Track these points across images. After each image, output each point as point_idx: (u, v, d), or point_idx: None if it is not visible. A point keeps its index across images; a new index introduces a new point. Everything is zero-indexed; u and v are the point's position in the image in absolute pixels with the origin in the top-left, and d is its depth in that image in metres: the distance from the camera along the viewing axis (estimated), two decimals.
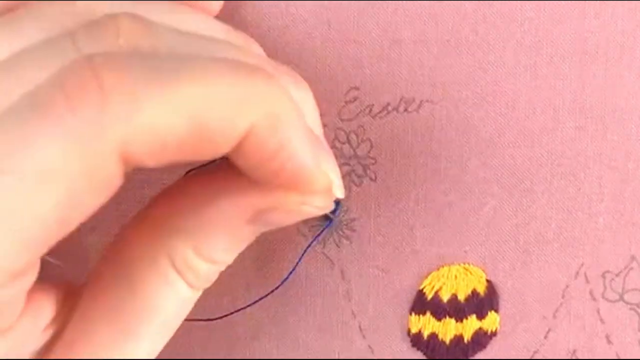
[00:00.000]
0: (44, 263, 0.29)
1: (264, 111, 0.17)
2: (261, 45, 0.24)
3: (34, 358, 0.19)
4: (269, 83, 0.18)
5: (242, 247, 0.21)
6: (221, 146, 0.17)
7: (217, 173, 0.20)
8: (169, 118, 0.16)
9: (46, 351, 0.19)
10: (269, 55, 0.24)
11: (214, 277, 0.21)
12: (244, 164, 0.18)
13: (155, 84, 0.16)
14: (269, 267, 0.29)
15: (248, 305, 0.29)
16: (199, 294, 0.21)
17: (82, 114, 0.16)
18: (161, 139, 0.16)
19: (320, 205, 0.20)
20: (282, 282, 0.28)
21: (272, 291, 0.28)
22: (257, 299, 0.28)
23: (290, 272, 0.28)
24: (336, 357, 0.30)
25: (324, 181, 0.19)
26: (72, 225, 0.17)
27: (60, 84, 0.16)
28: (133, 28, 0.18)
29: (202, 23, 0.20)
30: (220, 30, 0.21)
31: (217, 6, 0.22)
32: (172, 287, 0.20)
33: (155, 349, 0.20)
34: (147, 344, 0.20)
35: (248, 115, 0.17)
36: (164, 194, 0.21)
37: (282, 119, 0.18)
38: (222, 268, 0.21)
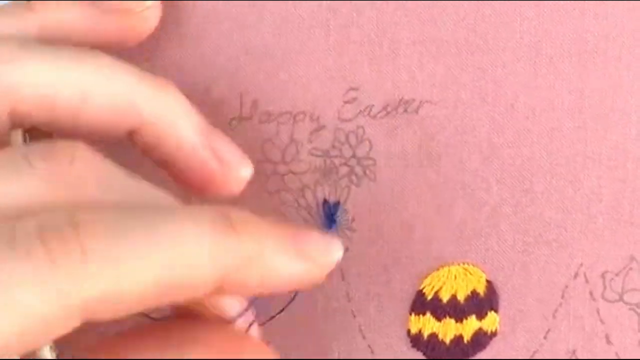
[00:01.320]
0: None
1: (235, 261, 0.18)
2: (261, 45, 0.24)
3: None
4: (232, 232, 0.18)
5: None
6: (190, 297, 0.18)
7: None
8: (140, 284, 0.17)
9: None
10: (269, 55, 0.24)
11: None
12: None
13: (128, 251, 0.17)
14: None
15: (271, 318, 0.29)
16: None
17: (61, 267, 0.16)
18: (127, 302, 0.17)
19: None
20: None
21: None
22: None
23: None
24: (336, 357, 0.30)
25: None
26: (9, 353, 0.17)
27: (41, 233, 0.17)
28: (87, 157, 0.19)
29: None
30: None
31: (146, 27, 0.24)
32: None
33: None
34: None
35: (218, 268, 0.18)
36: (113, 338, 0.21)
37: (258, 261, 0.19)
38: None
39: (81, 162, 0.19)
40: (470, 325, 0.29)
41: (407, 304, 0.29)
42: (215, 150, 0.23)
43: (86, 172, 0.19)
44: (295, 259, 0.19)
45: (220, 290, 0.18)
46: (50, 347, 0.29)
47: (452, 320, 0.29)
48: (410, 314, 0.29)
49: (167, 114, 0.22)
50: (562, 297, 0.29)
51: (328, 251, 0.20)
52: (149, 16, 0.24)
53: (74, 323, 0.17)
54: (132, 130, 0.22)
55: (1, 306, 0.16)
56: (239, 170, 0.24)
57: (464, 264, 0.29)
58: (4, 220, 0.17)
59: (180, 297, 0.18)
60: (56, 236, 0.17)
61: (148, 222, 0.18)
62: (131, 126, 0.22)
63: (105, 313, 0.17)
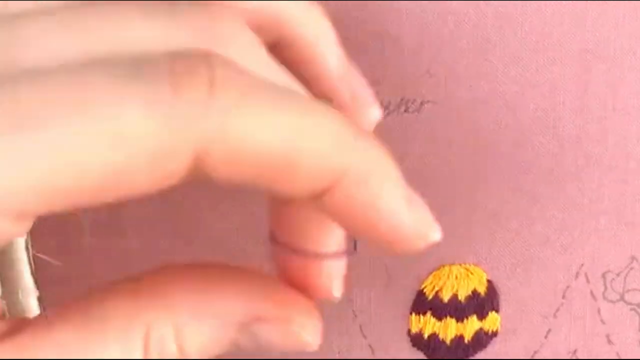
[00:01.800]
0: (44, 263, 0.29)
1: (361, 161, 0.17)
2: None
3: None
4: (367, 134, 0.17)
5: (215, 351, 0.20)
6: (304, 184, 0.16)
7: (220, 268, 0.20)
8: (266, 136, 0.15)
9: None
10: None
11: None
12: (329, 211, 0.17)
13: (261, 97, 0.16)
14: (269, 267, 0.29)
15: None
16: None
17: (184, 98, 0.15)
18: (247, 155, 0.15)
19: (308, 338, 0.19)
20: None
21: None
22: None
23: None
24: (337, 357, 0.30)
25: (420, 238, 0.18)
26: (103, 197, 0.15)
27: (170, 61, 0.15)
28: (226, 75, 0.16)
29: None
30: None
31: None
32: (127, 354, 0.19)
33: None
34: None
35: (344, 159, 0.16)
36: (153, 271, 0.20)
37: (377, 172, 0.17)
38: None
39: (221, 82, 0.16)
40: (471, 325, 0.29)
41: (408, 303, 0.29)
42: (350, 84, 0.21)
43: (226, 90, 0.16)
44: (405, 201, 0.17)
45: (327, 195, 0.16)
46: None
47: (453, 320, 0.29)
48: (411, 314, 0.29)
49: (314, 33, 0.20)
50: (563, 297, 0.29)
51: (431, 223, 0.19)
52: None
53: (180, 168, 0.15)
54: (276, 43, 0.20)
55: (110, 129, 0.15)
56: (369, 110, 0.21)
57: (465, 263, 0.29)
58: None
59: (293, 180, 0.16)
60: (187, 69, 0.15)
61: (285, 90, 0.16)
62: (276, 38, 0.20)
63: (220, 164, 0.15)
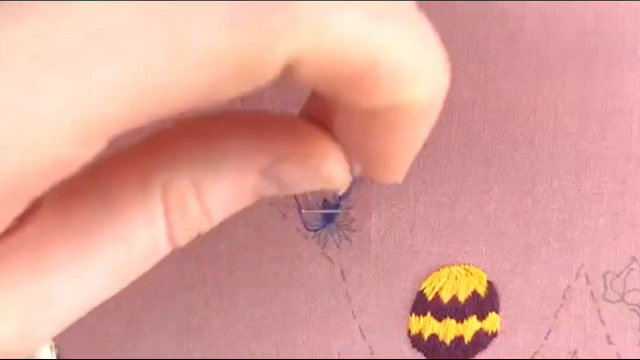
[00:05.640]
0: None
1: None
2: None
3: None
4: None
5: (240, 204, 0.18)
6: (386, 92, 0.15)
7: (233, 116, 0.18)
8: (360, 40, 0.14)
9: None
10: None
11: (193, 233, 0.18)
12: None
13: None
14: (269, 267, 0.29)
15: None
16: (168, 251, 0.18)
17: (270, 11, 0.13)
18: (339, 63, 0.14)
19: (333, 172, 0.18)
20: None
21: None
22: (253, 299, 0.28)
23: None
24: (336, 358, 0.30)
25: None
26: (184, 107, 0.14)
27: None
28: None
29: None
30: None
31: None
32: (150, 223, 0.17)
33: (105, 290, 0.17)
34: (100, 278, 0.17)
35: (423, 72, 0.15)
36: (168, 127, 0.18)
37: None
38: (207, 228, 0.18)
39: None
40: (471, 326, 0.29)
41: (408, 304, 0.29)
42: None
43: None
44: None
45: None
46: (50, 347, 0.29)
47: (453, 321, 0.29)
48: (411, 315, 0.29)
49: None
50: (563, 297, 0.29)
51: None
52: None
53: (271, 75, 0.14)
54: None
55: (189, 46, 0.13)
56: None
57: (465, 264, 0.29)
58: None
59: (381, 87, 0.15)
60: None
61: None
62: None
63: (314, 71, 0.14)
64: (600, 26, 0.27)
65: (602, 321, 0.29)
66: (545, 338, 0.30)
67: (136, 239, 0.17)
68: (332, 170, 0.18)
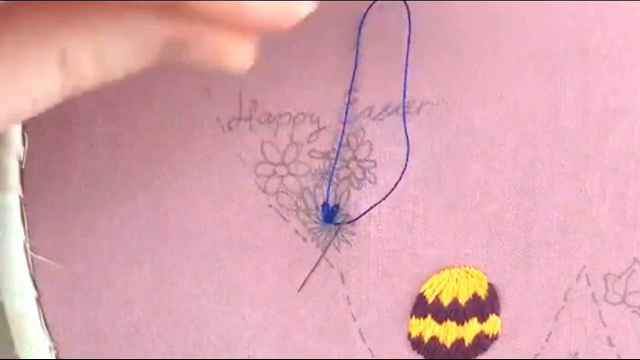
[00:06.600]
0: (44, 265, 0.29)
1: None
2: (261, 45, 0.24)
3: None
4: None
5: (139, 65, 0.19)
6: None
7: None
8: None
9: None
10: (270, 55, 0.24)
11: (94, 84, 0.19)
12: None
13: None
14: (268, 270, 0.29)
15: None
16: (70, 92, 0.19)
17: None
18: None
19: (230, 55, 0.19)
20: None
21: None
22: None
23: None
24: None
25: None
26: None
27: None
28: None
29: None
30: None
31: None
32: (48, 78, 0.18)
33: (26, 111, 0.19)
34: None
35: None
36: None
37: None
38: (107, 80, 0.19)
39: None
40: (472, 328, 0.29)
41: (408, 307, 0.29)
42: None
43: None
44: None
45: None
46: (50, 347, 0.29)
47: (453, 323, 0.29)
48: (411, 317, 0.29)
49: None
50: (564, 299, 0.29)
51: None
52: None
53: None
54: None
55: None
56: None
57: (465, 266, 0.29)
58: None
59: None
60: None
61: None
62: None
63: None
64: (602, 27, 0.27)
65: (603, 323, 0.29)
66: (546, 340, 0.29)
67: (33, 88, 0.19)
68: (233, 56, 0.19)
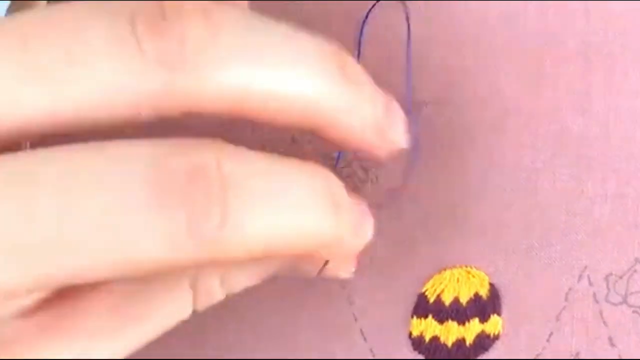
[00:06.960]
0: None
1: None
2: None
3: None
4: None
5: (257, 282, 0.21)
6: None
7: None
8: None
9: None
10: None
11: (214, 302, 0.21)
12: None
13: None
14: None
15: None
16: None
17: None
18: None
19: (342, 274, 0.22)
20: None
21: None
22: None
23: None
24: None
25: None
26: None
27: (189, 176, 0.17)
28: (199, 35, 0.16)
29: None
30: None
31: None
32: (178, 302, 0.20)
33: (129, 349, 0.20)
34: (124, 343, 0.20)
35: None
36: None
37: None
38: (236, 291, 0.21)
39: (193, 42, 0.16)
40: (473, 329, 0.29)
41: (409, 306, 0.29)
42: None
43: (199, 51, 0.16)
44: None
45: None
46: None
47: (455, 323, 0.29)
48: (412, 317, 0.29)
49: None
50: (566, 299, 0.29)
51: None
52: None
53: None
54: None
55: None
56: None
57: (466, 266, 0.29)
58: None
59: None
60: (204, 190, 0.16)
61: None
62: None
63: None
64: (603, 27, 0.27)
65: (604, 323, 0.29)
66: (548, 340, 0.29)
67: (163, 317, 0.20)
68: (344, 274, 0.23)
